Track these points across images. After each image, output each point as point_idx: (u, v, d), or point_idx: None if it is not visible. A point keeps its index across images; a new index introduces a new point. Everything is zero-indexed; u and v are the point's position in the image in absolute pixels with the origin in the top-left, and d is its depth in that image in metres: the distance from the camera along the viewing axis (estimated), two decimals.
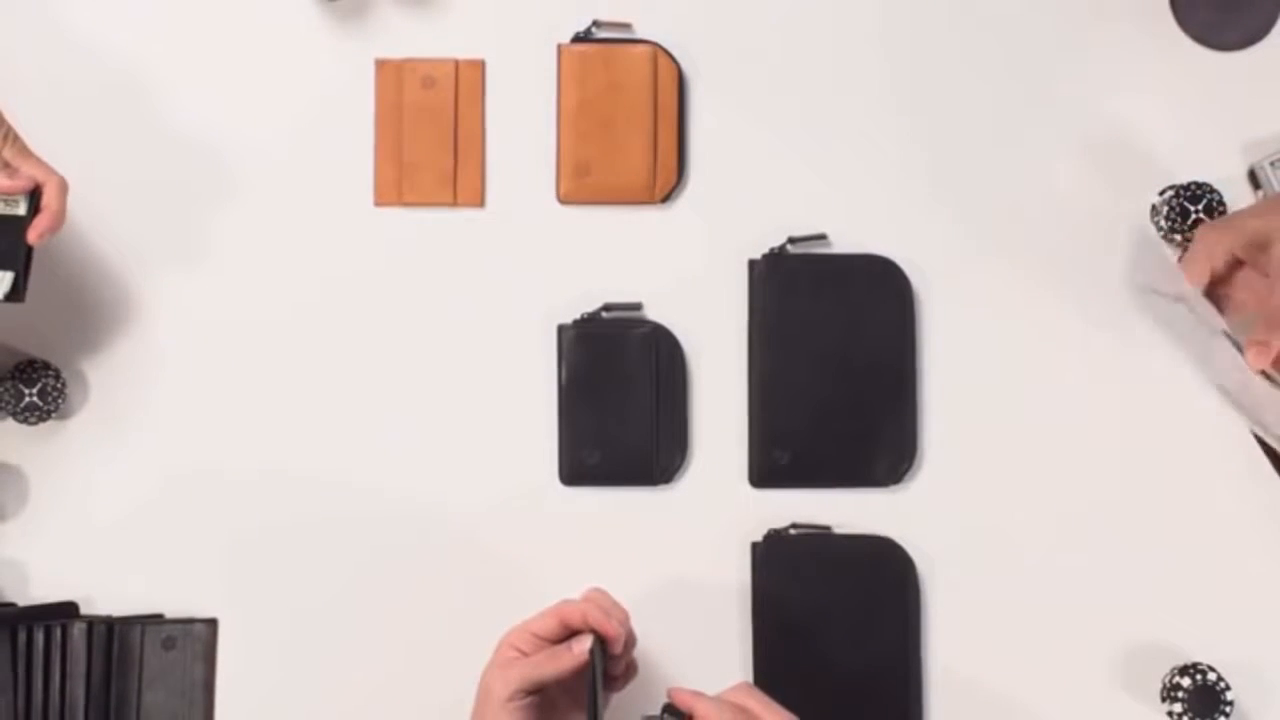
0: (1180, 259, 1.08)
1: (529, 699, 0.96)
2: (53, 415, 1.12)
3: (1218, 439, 1.14)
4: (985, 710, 1.13)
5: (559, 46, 1.15)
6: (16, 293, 1.05)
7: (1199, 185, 1.12)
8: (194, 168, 1.15)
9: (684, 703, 0.96)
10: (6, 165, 1.03)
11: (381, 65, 1.15)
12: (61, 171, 1.06)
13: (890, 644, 1.12)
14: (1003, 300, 1.15)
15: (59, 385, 1.11)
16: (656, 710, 0.98)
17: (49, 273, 1.13)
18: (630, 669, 1.02)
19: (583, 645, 0.97)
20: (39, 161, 1.04)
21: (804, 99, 1.16)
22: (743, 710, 0.95)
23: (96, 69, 1.15)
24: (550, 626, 0.99)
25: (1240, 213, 1.08)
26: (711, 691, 0.98)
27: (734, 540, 1.13)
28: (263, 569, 1.13)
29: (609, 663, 0.99)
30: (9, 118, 1.03)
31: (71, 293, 1.14)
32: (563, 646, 0.98)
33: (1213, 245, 1.04)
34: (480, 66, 1.16)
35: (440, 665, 1.11)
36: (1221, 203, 1.11)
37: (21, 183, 1.03)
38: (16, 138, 1.03)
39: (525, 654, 0.99)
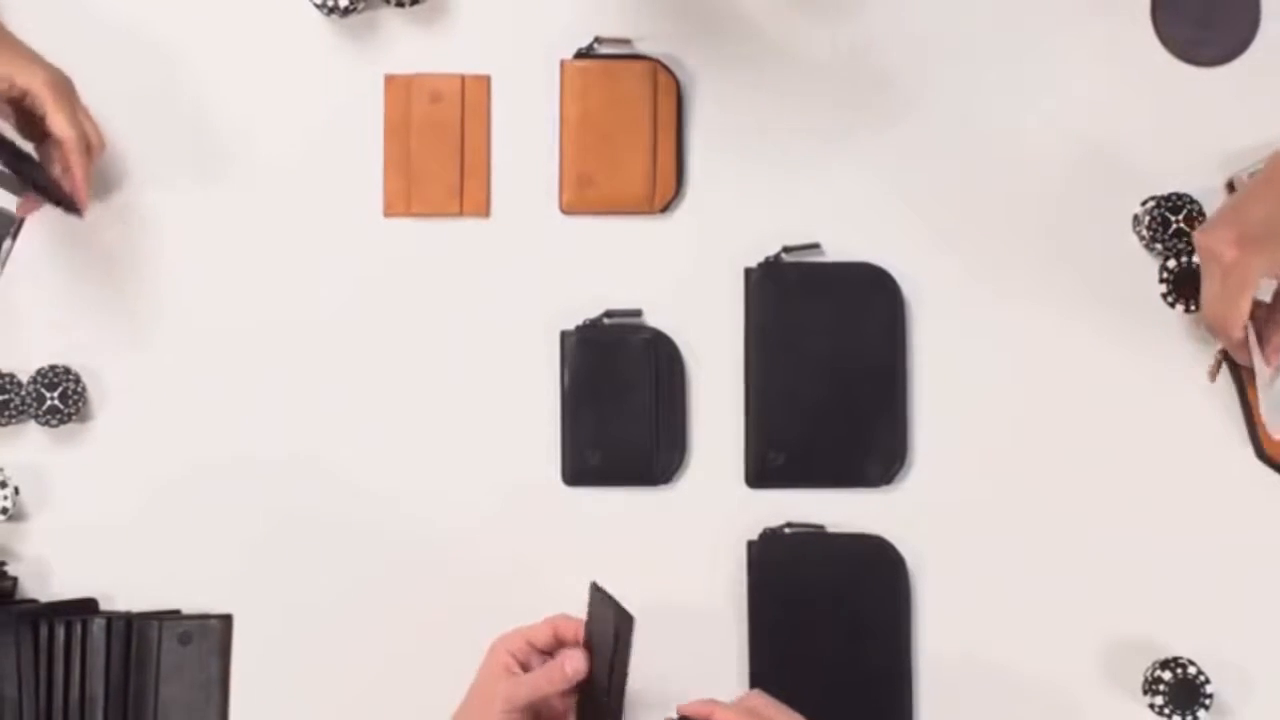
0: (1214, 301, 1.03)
1: (526, 713, 0.97)
2: (73, 418, 1.13)
3: (1199, 441, 1.15)
4: (974, 702, 1.13)
5: (562, 62, 1.16)
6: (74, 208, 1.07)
7: (1179, 196, 1.13)
8: (208, 179, 1.16)
9: (697, 713, 0.96)
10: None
11: (390, 81, 1.16)
12: None
13: (882, 639, 1.12)
14: (990, 306, 1.16)
15: (79, 389, 1.13)
16: (664, 713, 0.99)
17: (70, 282, 1.14)
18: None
19: (576, 665, 0.97)
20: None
21: (798, 113, 1.17)
22: (755, 715, 0.96)
23: (114, 83, 1.15)
24: (544, 636, 1.00)
25: (1251, 216, 1.01)
26: (725, 697, 0.98)
27: (730, 538, 1.14)
28: (276, 566, 1.14)
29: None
30: None
31: (90, 301, 1.15)
32: (556, 665, 0.98)
33: (1252, 271, 1.00)
34: (486, 82, 1.16)
35: (449, 658, 1.09)
36: (1201, 213, 1.12)
37: None
38: None
39: (518, 659, 0.99)
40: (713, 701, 0.97)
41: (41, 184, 1.06)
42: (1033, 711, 1.13)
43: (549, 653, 1.00)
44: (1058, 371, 1.15)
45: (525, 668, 0.99)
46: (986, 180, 1.17)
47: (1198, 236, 1.03)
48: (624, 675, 0.95)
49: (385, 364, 1.15)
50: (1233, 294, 1.00)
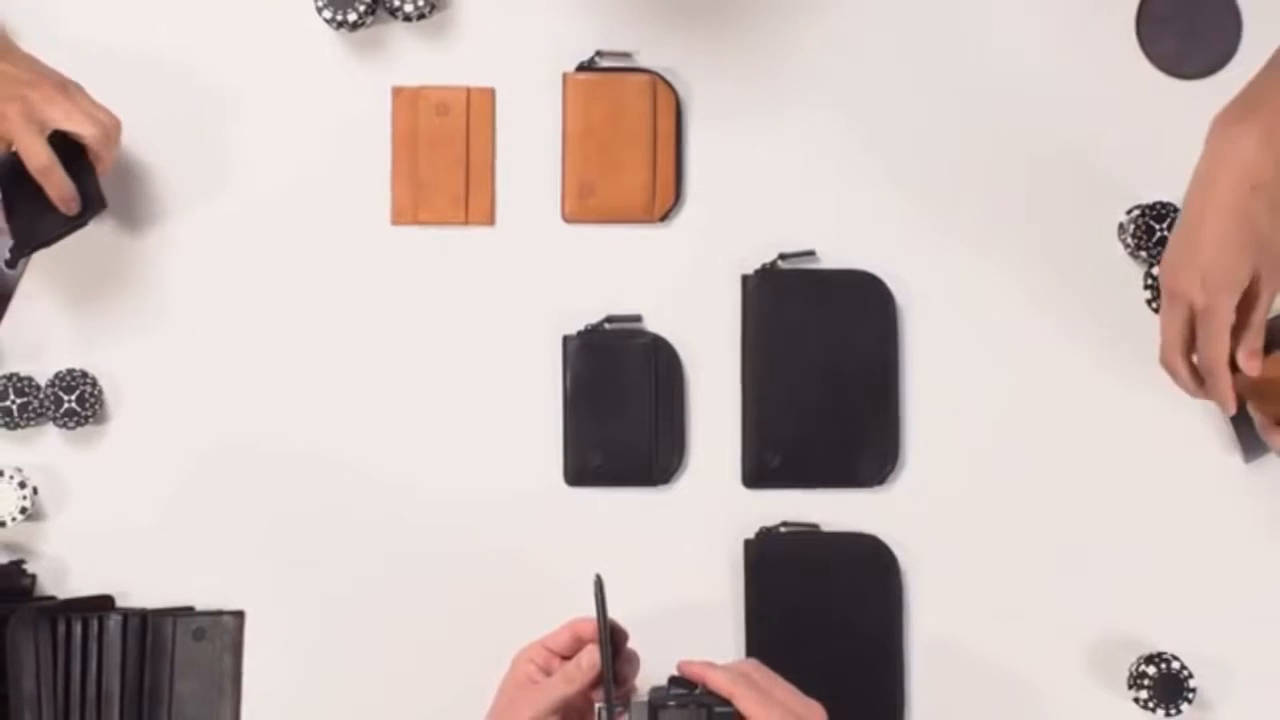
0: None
1: (554, 718, 0.97)
2: (90, 420, 1.14)
3: (1181, 443, 1.16)
4: (964, 696, 1.14)
5: (564, 75, 1.17)
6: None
7: (1163, 205, 1.14)
8: (222, 188, 1.17)
9: (694, 674, 0.97)
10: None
11: (398, 93, 1.17)
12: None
13: (874, 634, 1.13)
14: (979, 312, 1.17)
15: (96, 392, 1.14)
16: (662, 682, 0.99)
17: (86, 289, 1.16)
18: (629, 676, 1.03)
19: (590, 658, 0.97)
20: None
21: (794, 125, 1.18)
22: (749, 679, 0.96)
23: (128, 94, 1.14)
24: (564, 641, 1.00)
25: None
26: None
27: (728, 537, 1.15)
28: (287, 564, 1.15)
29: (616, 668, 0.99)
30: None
31: (107, 306, 1.16)
32: (572, 664, 0.98)
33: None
34: (490, 94, 1.17)
35: (455, 653, 1.13)
36: None
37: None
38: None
39: (540, 667, 0.99)
40: (709, 664, 0.97)
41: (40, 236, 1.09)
42: (1021, 705, 1.14)
43: (569, 658, 0.99)
44: (1045, 374, 1.17)
45: (548, 675, 0.99)
46: (976, 189, 1.18)
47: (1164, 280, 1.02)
48: (605, 630, 0.96)
49: (393, 368, 1.16)
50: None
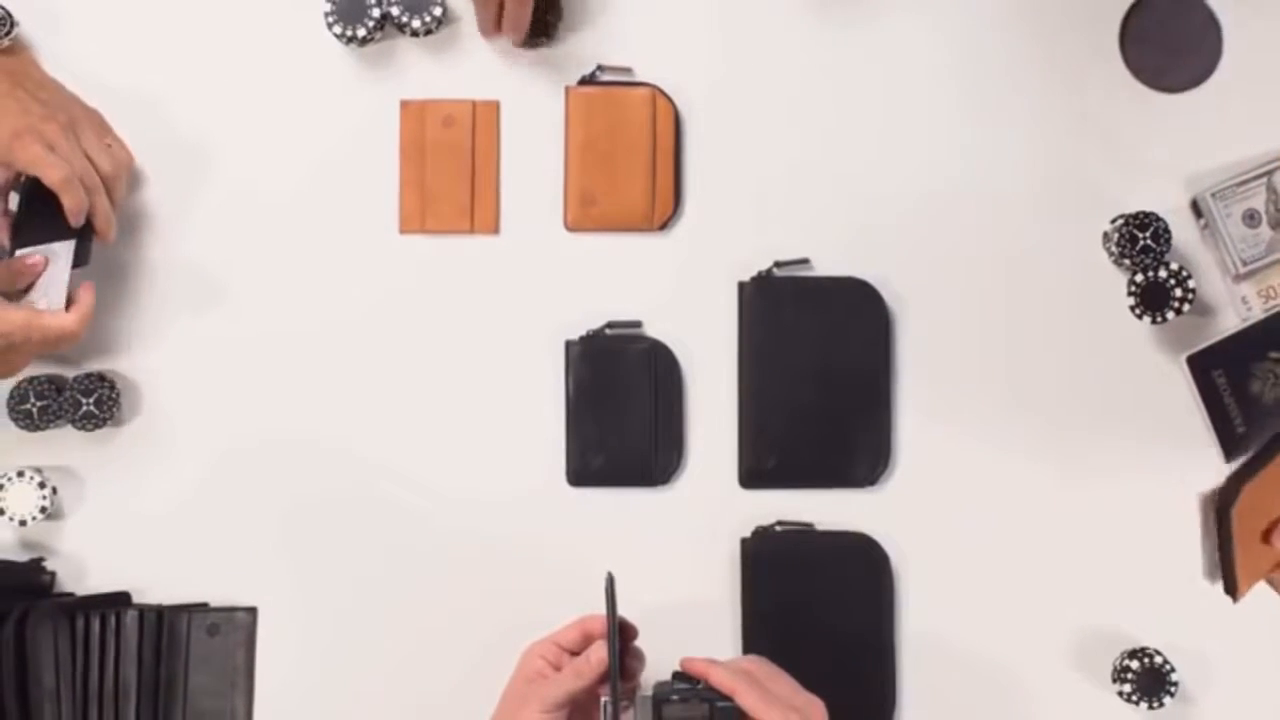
0: None
1: (562, 711, 0.98)
2: (108, 422, 1.15)
3: (1164, 444, 1.17)
4: (954, 689, 1.16)
5: (567, 89, 1.19)
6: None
7: (1146, 214, 1.16)
8: (237, 198, 1.18)
9: (696, 670, 0.98)
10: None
11: (406, 105, 1.18)
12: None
13: (866, 629, 1.15)
14: (969, 317, 1.18)
15: (113, 395, 1.15)
16: (664, 677, 1.00)
17: (106, 295, 1.16)
18: (637, 672, 1.04)
19: (599, 653, 0.97)
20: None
21: (789, 136, 1.19)
22: (750, 676, 0.98)
23: (146, 106, 1.17)
24: (573, 638, 1.01)
25: None
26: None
27: (725, 536, 1.16)
28: (299, 562, 1.16)
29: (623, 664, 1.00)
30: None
31: (125, 313, 1.18)
32: (581, 659, 0.98)
33: None
34: (495, 107, 1.19)
35: (462, 648, 1.15)
36: (1167, 230, 1.15)
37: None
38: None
39: (550, 662, 1.00)
40: (711, 660, 0.99)
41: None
42: (1008, 698, 1.16)
43: (578, 654, 1.00)
44: (1032, 378, 1.18)
45: (557, 670, 1.00)
46: (966, 199, 1.19)
47: None
48: (614, 627, 0.97)
49: (400, 372, 1.18)
50: None
